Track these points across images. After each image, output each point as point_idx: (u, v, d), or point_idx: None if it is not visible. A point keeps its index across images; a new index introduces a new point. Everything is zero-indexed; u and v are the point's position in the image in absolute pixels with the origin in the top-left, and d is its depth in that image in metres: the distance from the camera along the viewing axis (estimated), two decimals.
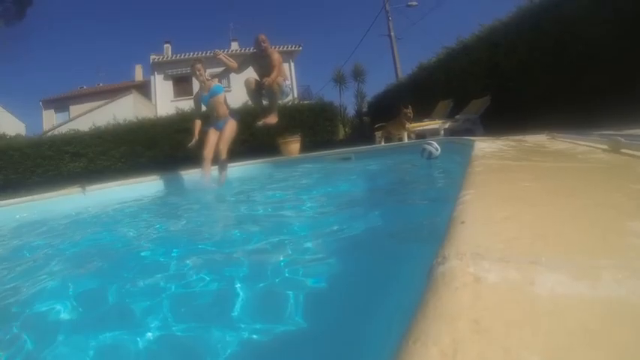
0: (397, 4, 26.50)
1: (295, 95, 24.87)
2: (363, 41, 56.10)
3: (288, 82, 7.70)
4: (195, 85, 7.76)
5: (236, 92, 14.92)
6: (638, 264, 0.71)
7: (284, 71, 7.56)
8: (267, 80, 6.74)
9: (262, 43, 7.21)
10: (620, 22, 6.64)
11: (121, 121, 16.35)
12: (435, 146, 5.53)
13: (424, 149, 5.58)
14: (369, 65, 44.96)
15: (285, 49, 30.23)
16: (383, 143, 10.88)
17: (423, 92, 13.98)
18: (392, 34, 25.97)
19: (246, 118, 15.58)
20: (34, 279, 2.43)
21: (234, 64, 7.22)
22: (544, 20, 8.45)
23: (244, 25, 76.69)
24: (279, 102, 7.97)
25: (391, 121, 11.21)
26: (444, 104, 11.61)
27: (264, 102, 7.73)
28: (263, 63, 7.29)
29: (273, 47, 7.48)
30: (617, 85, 6.58)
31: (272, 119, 7.41)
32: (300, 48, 31.32)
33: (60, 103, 35.41)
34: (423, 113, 11.40)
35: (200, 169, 6.85)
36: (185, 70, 28.56)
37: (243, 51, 29.66)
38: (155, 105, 29.17)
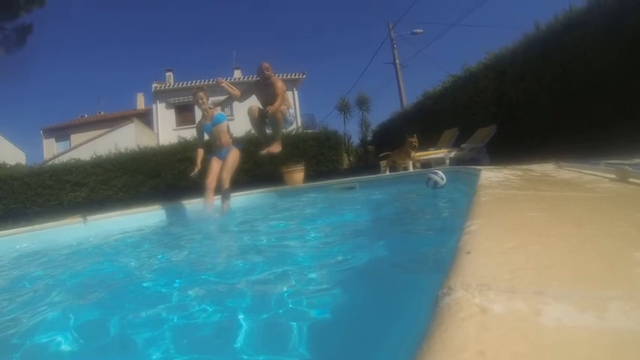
0: (402, 32, 26.81)
1: (299, 124, 25.02)
2: (369, 69, 56.71)
3: (292, 111, 7.74)
4: (198, 114, 7.92)
5: (239, 121, 14.99)
6: None
7: (288, 100, 7.63)
8: (270, 109, 6.77)
9: (266, 72, 7.24)
10: (629, 50, 6.67)
11: (123, 150, 16.38)
12: (440, 175, 5.54)
13: (429, 178, 5.59)
14: (373, 93, 45.40)
15: (288, 77, 30.49)
16: (388, 172, 10.88)
17: (428, 121, 14.06)
18: (397, 61, 26.20)
19: (249, 147, 15.68)
20: (35, 310, 2.43)
21: (236, 92, 7.28)
22: (551, 48, 8.51)
23: (247, 53, 77.71)
24: (283, 131, 8.06)
25: (396, 150, 11.24)
26: (449, 133, 11.67)
27: (268, 131, 7.70)
28: (267, 91, 7.31)
29: (276, 75, 7.50)
30: (625, 114, 6.60)
31: (275, 148, 7.42)
32: (304, 76, 31.54)
33: (61, 132, 35.65)
34: (428, 142, 11.46)
35: (203, 198, 6.86)
36: (187, 99, 28.84)
37: (246, 79, 29.98)
38: (157, 134, 29.35)
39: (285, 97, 7.21)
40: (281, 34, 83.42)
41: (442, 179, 5.53)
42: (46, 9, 18.28)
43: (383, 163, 11.63)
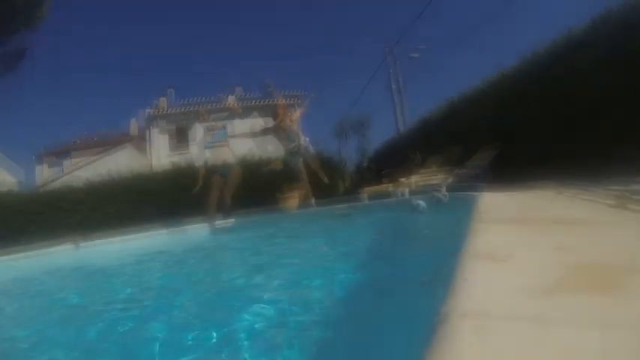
0: (399, 56, 27.00)
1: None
2: (366, 93, 56.90)
3: (307, 139, 9.22)
4: (192, 138, 8.22)
5: (233, 147, 15.07)
6: None
7: (301, 134, 9.16)
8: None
9: (280, 117, 8.64)
10: (632, 74, 6.59)
11: (116, 176, 16.32)
12: (422, 205, 5.85)
13: (417, 204, 5.83)
14: (371, 116, 45.44)
15: (285, 101, 30.60)
16: (367, 201, 10.83)
17: (425, 145, 14.07)
18: (393, 86, 26.34)
19: (243, 173, 15.72)
20: (24, 334, 2.43)
21: (238, 109, 8.20)
22: (550, 71, 8.46)
23: (246, 76, 78.32)
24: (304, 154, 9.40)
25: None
26: (434, 159, 11.74)
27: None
28: (284, 134, 8.72)
29: (289, 115, 9.06)
30: (627, 138, 6.57)
31: (276, 164, 9.49)
32: (300, 100, 31.72)
33: (54, 158, 35.73)
34: (423, 166, 11.52)
35: (204, 216, 6.91)
36: (182, 123, 28.88)
37: (243, 104, 30.28)
38: (151, 159, 29.29)
39: (300, 134, 8.89)
40: (279, 57, 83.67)
41: (423, 205, 5.85)
42: (40, 33, 18.42)
43: (362, 191, 11.56)
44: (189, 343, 2.09)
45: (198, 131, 9.59)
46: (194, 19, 79.83)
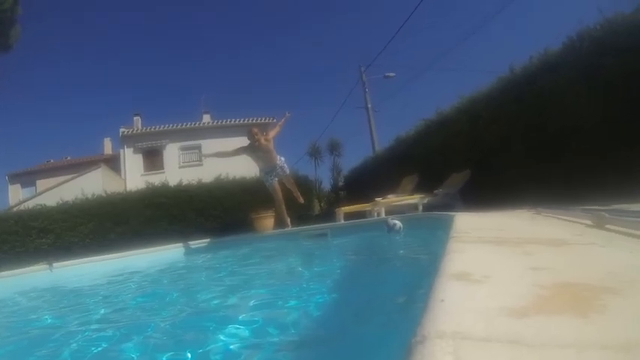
0: (374, 75, 27.28)
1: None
2: (340, 113, 57.36)
3: (282, 159, 9.70)
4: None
5: (208, 167, 15.07)
6: (622, 341, 0.72)
7: (276, 154, 9.60)
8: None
9: (255, 136, 8.91)
10: (607, 95, 6.69)
11: (90, 196, 16.17)
12: (398, 224, 6.03)
13: (394, 224, 5.93)
14: (345, 137, 45.80)
15: (258, 121, 30.83)
16: (342, 221, 10.84)
17: (401, 165, 14.10)
18: (369, 106, 26.54)
19: (217, 193, 15.71)
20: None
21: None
22: (526, 92, 8.48)
23: (216, 96, 78.38)
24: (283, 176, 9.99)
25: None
26: (408, 179, 11.83)
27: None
28: (260, 154, 9.11)
29: (264, 133, 9.48)
30: (601, 159, 6.62)
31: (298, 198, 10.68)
32: (274, 120, 31.83)
33: (26, 178, 35.58)
34: (392, 188, 11.67)
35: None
36: (155, 143, 28.83)
37: (215, 123, 30.38)
38: (125, 179, 29.15)
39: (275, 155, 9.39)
40: (251, 77, 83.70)
41: (399, 225, 6.03)
42: (12, 55, 18.31)
43: (338, 210, 11.60)
44: None
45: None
46: (164, 38, 79.53)
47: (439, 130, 12.16)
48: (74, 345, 2.63)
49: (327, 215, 17.47)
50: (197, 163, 27.57)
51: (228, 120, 32.04)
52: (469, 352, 0.68)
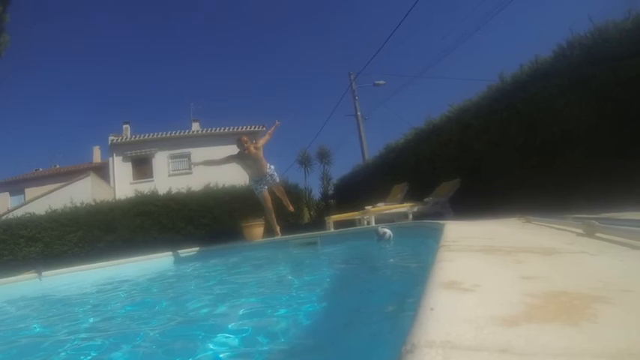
0: (364, 83, 27.33)
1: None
2: (330, 121, 57.37)
3: (272, 167, 9.80)
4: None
5: (197, 175, 15.04)
6: (613, 350, 0.72)
7: (265, 162, 9.74)
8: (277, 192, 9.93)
9: (245, 144, 9.06)
10: (597, 103, 6.71)
11: (79, 205, 16.22)
12: (388, 232, 6.12)
13: (384, 232, 5.94)
14: (335, 145, 45.82)
15: (247, 129, 30.84)
16: (332, 229, 10.84)
17: (391, 174, 14.12)
18: (358, 113, 26.59)
19: (207, 201, 15.70)
20: None
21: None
22: (516, 100, 8.51)
23: (206, 104, 78.21)
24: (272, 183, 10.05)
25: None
26: (398, 188, 11.87)
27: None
28: (249, 162, 9.28)
29: (253, 142, 9.58)
30: (592, 168, 6.63)
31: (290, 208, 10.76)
32: (264, 128, 31.81)
33: (15, 186, 35.58)
34: (382, 196, 11.72)
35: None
36: (144, 151, 28.75)
37: (204, 132, 30.35)
38: (114, 187, 29.05)
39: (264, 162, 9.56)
40: (240, 85, 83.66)
41: (389, 233, 6.12)
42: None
43: (328, 218, 11.60)
44: None
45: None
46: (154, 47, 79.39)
47: (429, 139, 12.18)
48: (63, 354, 2.64)
49: (317, 223, 17.47)
50: (186, 171, 27.47)
51: (218, 128, 32.07)
52: None
